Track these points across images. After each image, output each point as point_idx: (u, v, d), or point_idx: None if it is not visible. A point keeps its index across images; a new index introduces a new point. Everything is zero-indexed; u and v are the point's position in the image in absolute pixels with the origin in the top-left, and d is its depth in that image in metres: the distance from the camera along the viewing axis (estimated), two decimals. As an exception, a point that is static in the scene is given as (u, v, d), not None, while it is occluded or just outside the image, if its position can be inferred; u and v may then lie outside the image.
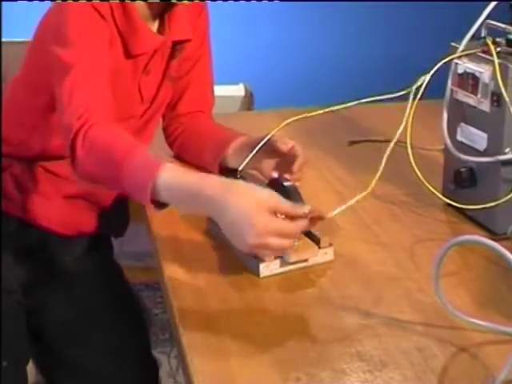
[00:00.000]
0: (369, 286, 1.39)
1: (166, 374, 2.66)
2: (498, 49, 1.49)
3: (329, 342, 1.25)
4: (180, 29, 1.66)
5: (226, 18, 3.19)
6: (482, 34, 1.54)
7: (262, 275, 1.39)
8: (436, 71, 1.52)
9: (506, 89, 1.45)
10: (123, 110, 1.59)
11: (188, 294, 1.36)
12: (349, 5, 3.45)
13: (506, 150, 1.50)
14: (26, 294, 1.75)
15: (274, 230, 1.26)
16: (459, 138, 1.58)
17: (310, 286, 1.40)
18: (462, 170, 1.57)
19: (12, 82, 1.70)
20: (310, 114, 1.60)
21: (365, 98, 1.58)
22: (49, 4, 1.59)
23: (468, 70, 1.52)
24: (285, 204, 1.30)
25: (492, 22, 1.54)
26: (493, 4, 1.52)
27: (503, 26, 1.52)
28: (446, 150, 1.62)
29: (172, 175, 1.31)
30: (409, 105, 1.53)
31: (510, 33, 1.51)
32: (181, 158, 1.81)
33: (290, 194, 1.40)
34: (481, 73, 1.50)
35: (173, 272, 1.42)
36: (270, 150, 1.63)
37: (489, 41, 1.51)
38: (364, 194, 1.52)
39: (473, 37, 1.54)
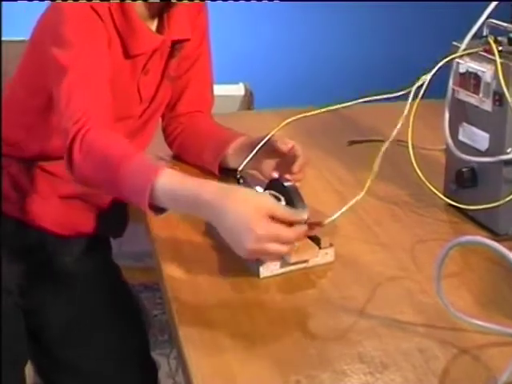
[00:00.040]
0: (369, 286, 1.38)
1: (165, 374, 2.66)
2: (500, 48, 1.48)
3: (329, 343, 1.24)
4: (179, 28, 1.66)
5: (226, 18, 3.18)
6: (484, 33, 1.54)
7: (262, 276, 1.38)
8: (437, 71, 1.52)
9: (508, 88, 1.45)
10: (122, 111, 1.59)
11: (187, 295, 1.35)
12: (349, 5, 3.45)
13: (508, 150, 1.49)
14: (24, 295, 1.74)
15: (272, 235, 1.27)
16: (461, 137, 1.58)
17: (311, 286, 1.39)
18: (464, 170, 1.57)
19: (9, 81, 1.69)
20: (311, 113, 1.59)
21: (365, 97, 1.57)
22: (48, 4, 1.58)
23: (470, 70, 1.51)
24: (283, 210, 1.31)
25: (494, 21, 1.53)
26: (494, 3, 1.51)
27: (505, 24, 1.52)
28: (447, 150, 1.61)
29: (170, 180, 1.31)
30: (407, 105, 1.52)
31: (511, 31, 1.50)
32: (180, 157, 1.81)
33: (290, 194, 1.40)
34: (483, 72, 1.49)
35: (172, 272, 1.41)
36: (270, 150, 1.62)
37: (491, 40, 1.50)
38: (361, 195, 1.50)
39: (474, 36, 1.54)
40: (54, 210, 1.70)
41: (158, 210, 1.34)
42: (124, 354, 1.81)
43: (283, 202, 1.40)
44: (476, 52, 1.52)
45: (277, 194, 1.41)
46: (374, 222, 1.59)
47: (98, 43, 1.50)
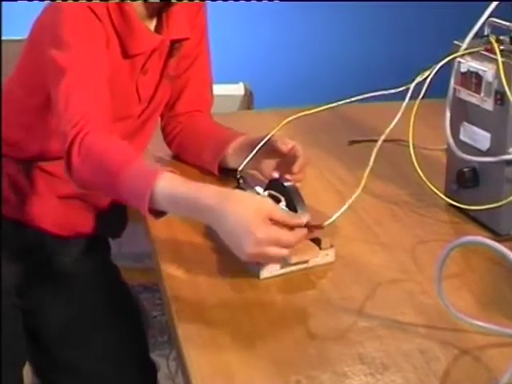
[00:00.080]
0: (370, 287, 1.38)
1: (164, 376, 2.65)
2: (502, 47, 1.48)
3: (329, 344, 1.24)
4: (178, 27, 1.65)
5: (225, 18, 3.18)
6: (485, 32, 1.53)
7: (262, 277, 1.38)
8: (438, 70, 1.51)
9: (509, 87, 1.44)
10: (121, 111, 1.59)
11: (187, 296, 1.35)
12: (349, 5, 3.45)
13: (510, 150, 1.48)
14: (22, 295, 1.74)
15: (272, 239, 1.27)
16: (462, 137, 1.57)
17: (311, 287, 1.39)
18: (465, 169, 1.56)
19: (7, 81, 1.69)
20: (312, 111, 1.58)
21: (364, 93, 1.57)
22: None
23: (471, 69, 1.51)
24: (283, 213, 1.31)
25: (495, 20, 1.53)
26: (495, 2, 1.51)
27: (507, 23, 1.52)
28: (448, 150, 1.61)
29: (170, 184, 1.31)
30: (405, 101, 1.51)
31: (513, 31, 1.50)
32: (179, 157, 1.81)
33: (290, 194, 1.40)
34: (484, 71, 1.48)
35: (172, 273, 1.41)
36: (270, 150, 1.62)
37: (492, 39, 1.50)
38: (357, 192, 1.49)
39: (476, 35, 1.53)
40: (53, 210, 1.70)
41: (158, 213, 1.34)
42: (123, 354, 1.81)
43: (283, 203, 1.40)
44: (477, 51, 1.52)
45: (277, 195, 1.41)
46: (374, 223, 1.58)
47: (96, 44, 1.50)
